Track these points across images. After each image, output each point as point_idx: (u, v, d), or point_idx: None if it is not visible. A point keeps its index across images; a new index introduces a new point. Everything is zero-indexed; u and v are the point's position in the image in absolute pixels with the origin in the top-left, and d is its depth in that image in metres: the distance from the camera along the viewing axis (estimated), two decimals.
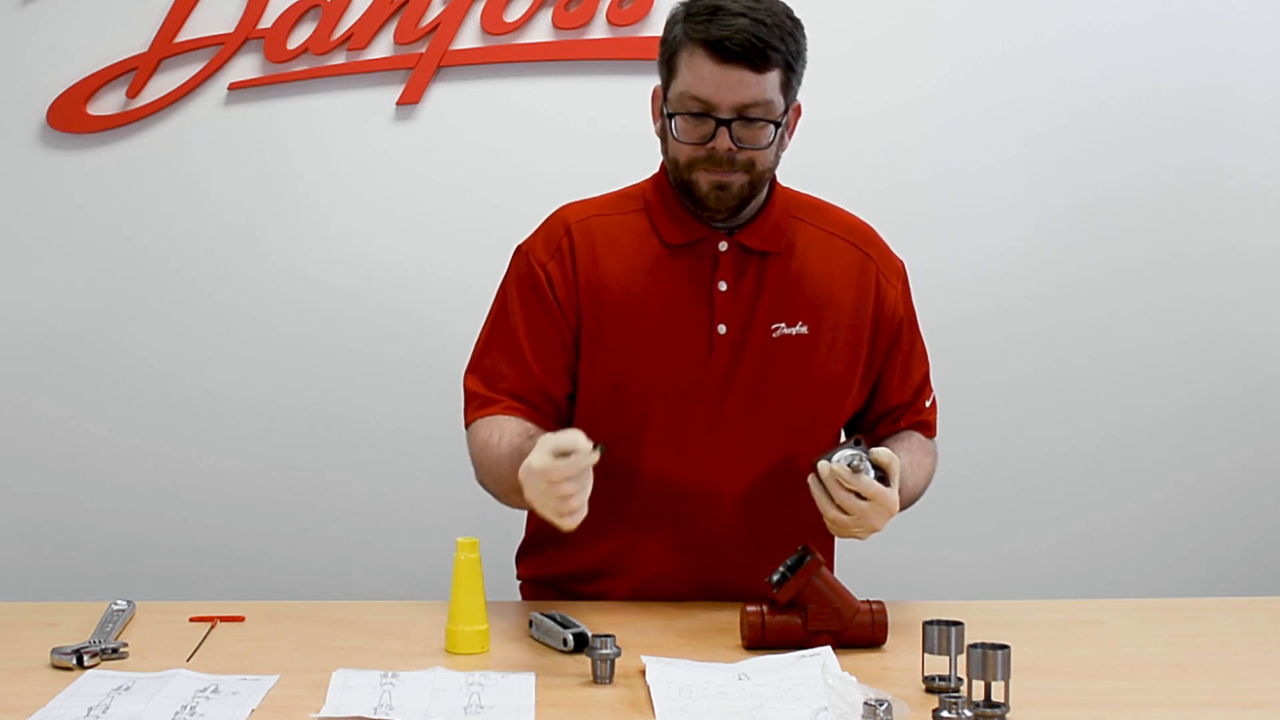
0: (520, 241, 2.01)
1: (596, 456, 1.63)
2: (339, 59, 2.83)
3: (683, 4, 1.88)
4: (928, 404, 2.07)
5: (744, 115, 1.82)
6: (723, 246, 1.92)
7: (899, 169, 2.89)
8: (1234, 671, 1.68)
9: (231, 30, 2.81)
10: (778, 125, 1.85)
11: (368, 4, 2.82)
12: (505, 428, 1.88)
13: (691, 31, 1.82)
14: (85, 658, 1.62)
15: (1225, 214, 2.95)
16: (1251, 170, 2.95)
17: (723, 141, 1.83)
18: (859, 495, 1.76)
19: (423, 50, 2.82)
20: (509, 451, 1.81)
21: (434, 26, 2.82)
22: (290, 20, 2.81)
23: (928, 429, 2.07)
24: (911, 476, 1.93)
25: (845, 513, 1.77)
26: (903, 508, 1.91)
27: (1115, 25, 2.91)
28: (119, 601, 1.85)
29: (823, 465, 1.76)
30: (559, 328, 1.93)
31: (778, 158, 1.91)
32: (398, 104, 2.84)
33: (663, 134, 1.92)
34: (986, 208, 2.92)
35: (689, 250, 1.93)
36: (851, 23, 2.87)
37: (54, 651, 1.63)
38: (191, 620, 1.83)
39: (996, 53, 2.90)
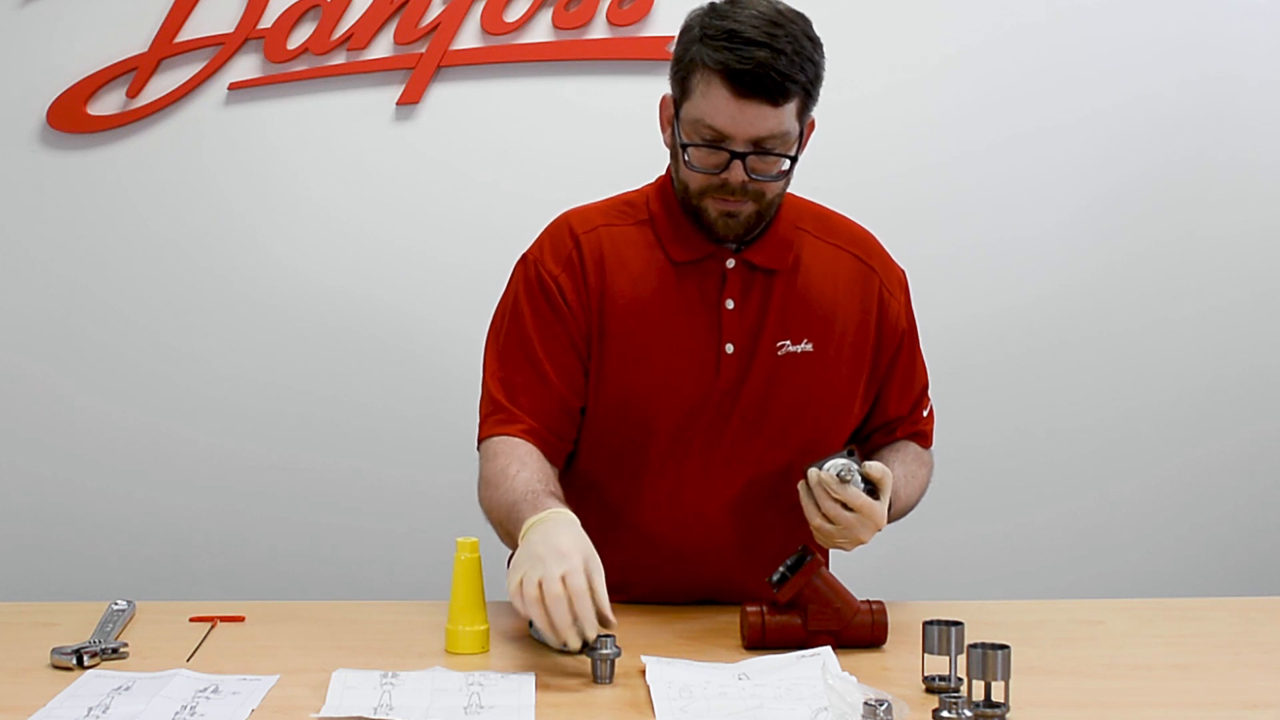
0: (525, 250, 1.95)
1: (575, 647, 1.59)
2: (339, 59, 2.83)
3: (698, 15, 1.81)
4: (925, 414, 2.04)
5: (760, 148, 1.78)
6: (730, 264, 1.89)
7: (899, 156, 2.90)
8: (1234, 671, 1.68)
9: (231, 30, 2.81)
10: (793, 159, 1.82)
11: (368, 4, 2.81)
12: (526, 463, 1.82)
13: (708, 58, 1.76)
14: (85, 658, 1.62)
15: (1230, 201, 2.96)
16: (1256, 159, 2.95)
17: (736, 174, 1.79)
18: (846, 506, 1.75)
19: (423, 50, 2.82)
20: (511, 500, 1.76)
21: (434, 26, 2.82)
22: (290, 20, 2.81)
23: (924, 439, 2.05)
24: (905, 488, 1.92)
25: (831, 522, 1.76)
26: (897, 518, 1.91)
27: (1122, 11, 2.91)
28: (119, 601, 1.84)
29: (812, 473, 1.76)
30: (574, 337, 1.89)
31: (788, 180, 1.87)
32: (398, 104, 2.84)
33: (673, 153, 1.87)
34: (989, 196, 2.92)
35: (696, 267, 1.89)
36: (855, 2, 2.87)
37: (54, 651, 1.63)
38: (191, 620, 1.83)
39: (1003, 38, 2.91)
